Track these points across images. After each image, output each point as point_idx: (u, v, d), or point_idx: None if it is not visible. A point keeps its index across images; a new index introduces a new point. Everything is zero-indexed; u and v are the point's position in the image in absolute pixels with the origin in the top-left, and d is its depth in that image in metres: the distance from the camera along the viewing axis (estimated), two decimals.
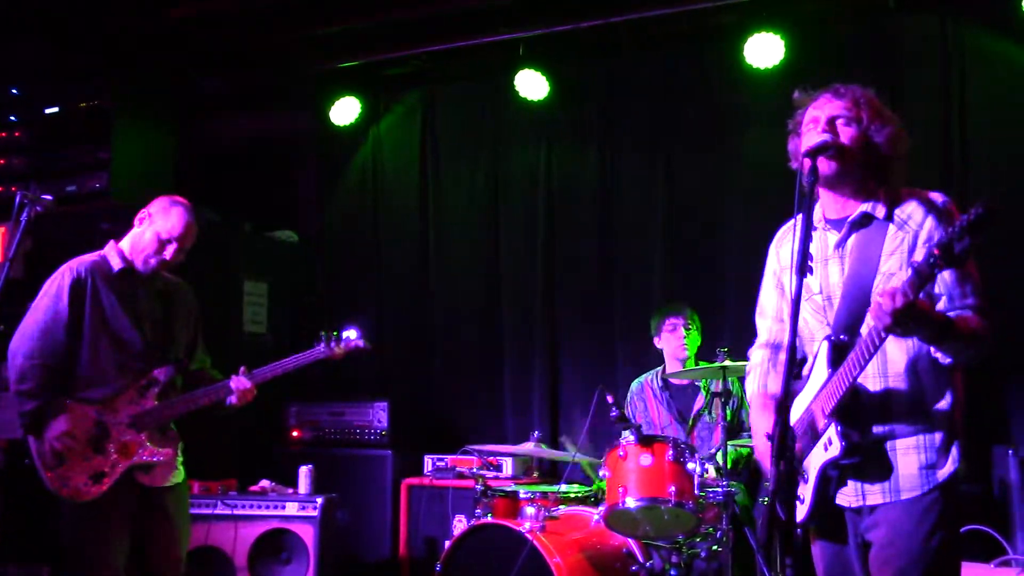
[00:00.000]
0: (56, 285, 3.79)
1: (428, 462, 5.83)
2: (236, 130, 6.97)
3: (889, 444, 2.64)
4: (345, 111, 6.60)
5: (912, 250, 2.63)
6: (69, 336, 3.73)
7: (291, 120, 6.99)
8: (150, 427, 3.80)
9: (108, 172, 5.74)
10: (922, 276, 2.32)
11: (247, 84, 6.61)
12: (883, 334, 2.43)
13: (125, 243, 3.91)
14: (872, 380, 2.65)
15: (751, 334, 3.20)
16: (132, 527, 3.74)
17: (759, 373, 3.05)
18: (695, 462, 4.08)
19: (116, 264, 3.86)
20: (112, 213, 5.24)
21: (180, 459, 3.94)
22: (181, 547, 3.89)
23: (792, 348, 2.43)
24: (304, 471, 5.36)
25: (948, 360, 2.59)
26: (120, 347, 3.79)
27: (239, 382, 3.87)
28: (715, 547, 4.28)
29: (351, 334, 4.06)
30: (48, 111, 5.88)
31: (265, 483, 5.42)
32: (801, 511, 2.67)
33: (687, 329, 5.10)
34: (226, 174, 6.86)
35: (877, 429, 2.65)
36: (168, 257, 3.84)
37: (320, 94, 6.64)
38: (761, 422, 2.95)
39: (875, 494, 2.64)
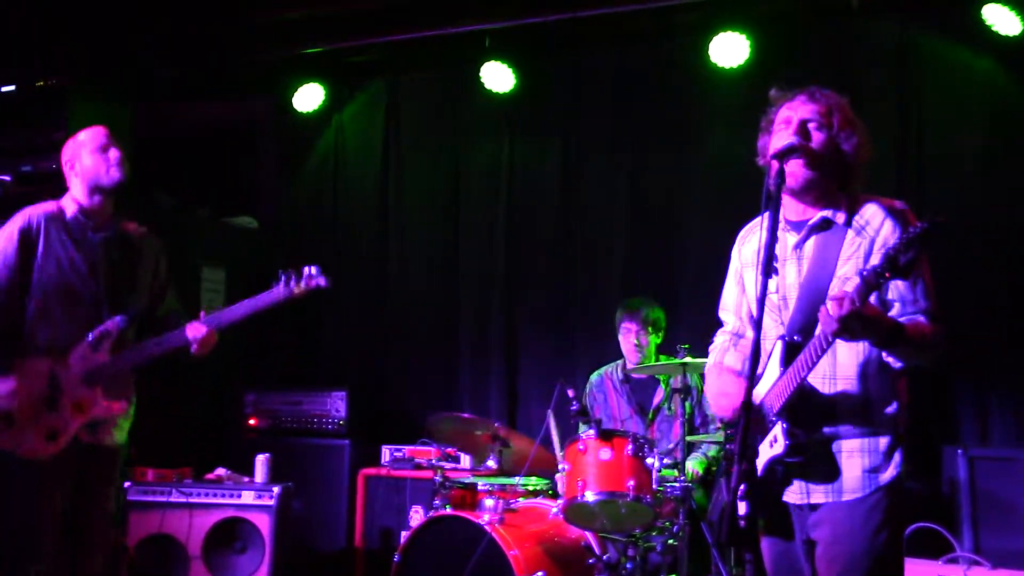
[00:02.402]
0: (7, 231, 3.71)
1: (385, 452, 5.81)
2: (196, 114, 6.85)
3: (835, 445, 2.69)
4: (308, 98, 6.53)
5: (868, 255, 2.67)
6: (19, 283, 3.65)
7: (253, 106, 6.90)
8: (104, 381, 3.71)
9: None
10: (869, 284, 2.38)
11: (208, 68, 6.49)
12: (831, 338, 2.49)
13: (75, 189, 3.84)
14: (822, 382, 2.70)
15: (709, 330, 3.23)
16: (71, 489, 3.67)
17: (720, 350, 3.12)
18: (654, 456, 4.10)
19: (71, 210, 3.79)
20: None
21: (129, 420, 3.86)
22: (112, 515, 3.83)
23: (756, 347, 2.49)
24: (261, 460, 5.33)
25: (899, 365, 2.65)
26: (72, 296, 3.71)
27: (195, 329, 3.73)
28: (671, 541, 4.31)
29: (312, 271, 3.78)
30: (3, 90, 5.75)
31: (221, 471, 5.38)
32: (743, 506, 2.69)
33: (640, 337, 5.07)
34: (185, 159, 6.75)
35: (823, 430, 2.69)
36: (116, 161, 3.78)
37: (283, 80, 6.56)
38: (715, 382, 3.06)
39: (818, 493, 2.70)
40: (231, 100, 6.93)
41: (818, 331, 2.61)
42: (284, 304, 3.80)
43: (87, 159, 3.80)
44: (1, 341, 3.64)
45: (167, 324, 3.88)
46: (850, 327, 2.42)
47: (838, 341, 2.54)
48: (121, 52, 6.10)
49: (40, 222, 3.73)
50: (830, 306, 2.42)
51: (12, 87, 5.72)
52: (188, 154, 6.79)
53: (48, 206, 3.81)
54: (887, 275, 2.34)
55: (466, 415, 4.91)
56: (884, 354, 2.63)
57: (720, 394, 2.96)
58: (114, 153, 3.80)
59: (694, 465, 4.77)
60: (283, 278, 3.76)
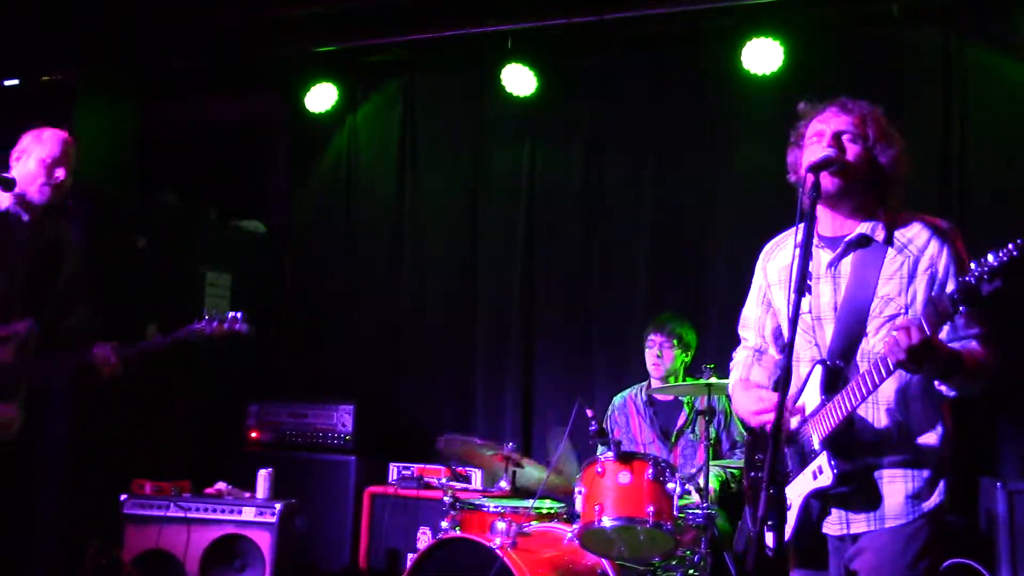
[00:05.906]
0: None
1: (393, 470, 5.71)
2: (205, 112, 6.81)
3: (876, 473, 2.63)
4: (321, 98, 6.42)
5: (912, 275, 2.62)
6: None
7: (264, 105, 6.84)
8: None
9: None
10: (942, 315, 2.32)
11: (218, 65, 6.43)
12: (892, 368, 2.41)
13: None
14: (863, 409, 2.63)
15: (736, 347, 3.14)
16: None
17: (743, 366, 3.07)
18: (675, 482, 3.99)
19: (3, 203, 3.77)
20: (72, 191, 5.02)
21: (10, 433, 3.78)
22: None
23: (787, 370, 2.41)
24: (263, 475, 5.24)
25: (952, 393, 2.57)
26: None
27: (102, 349, 3.78)
28: (692, 571, 4.19)
29: (236, 315, 4.03)
30: (8, 83, 5.65)
31: (221, 486, 5.29)
32: (771, 537, 2.63)
33: (663, 349, 4.91)
34: (193, 158, 6.70)
35: (866, 459, 2.64)
36: (61, 178, 3.79)
37: (295, 79, 6.45)
38: (744, 398, 2.91)
39: (859, 522, 2.64)
40: (243, 99, 6.88)
41: (862, 356, 2.59)
42: (200, 342, 4.05)
43: (32, 165, 3.79)
44: None
45: (70, 336, 3.87)
46: (918, 358, 2.33)
47: (896, 371, 2.45)
48: (130, 47, 6.05)
49: None
50: (899, 336, 2.33)
51: (16, 81, 5.63)
52: (196, 153, 6.73)
53: None
54: (967, 305, 2.25)
55: (478, 439, 4.80)
56: (937, 383, 2.56)
57: (756, 400, 2.81)
58: (60, 173, 3.81)
59: (710, 482, 4.57)
60: (206, 317, 4.03)
